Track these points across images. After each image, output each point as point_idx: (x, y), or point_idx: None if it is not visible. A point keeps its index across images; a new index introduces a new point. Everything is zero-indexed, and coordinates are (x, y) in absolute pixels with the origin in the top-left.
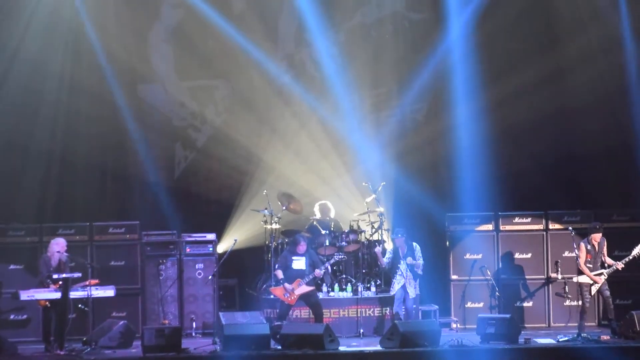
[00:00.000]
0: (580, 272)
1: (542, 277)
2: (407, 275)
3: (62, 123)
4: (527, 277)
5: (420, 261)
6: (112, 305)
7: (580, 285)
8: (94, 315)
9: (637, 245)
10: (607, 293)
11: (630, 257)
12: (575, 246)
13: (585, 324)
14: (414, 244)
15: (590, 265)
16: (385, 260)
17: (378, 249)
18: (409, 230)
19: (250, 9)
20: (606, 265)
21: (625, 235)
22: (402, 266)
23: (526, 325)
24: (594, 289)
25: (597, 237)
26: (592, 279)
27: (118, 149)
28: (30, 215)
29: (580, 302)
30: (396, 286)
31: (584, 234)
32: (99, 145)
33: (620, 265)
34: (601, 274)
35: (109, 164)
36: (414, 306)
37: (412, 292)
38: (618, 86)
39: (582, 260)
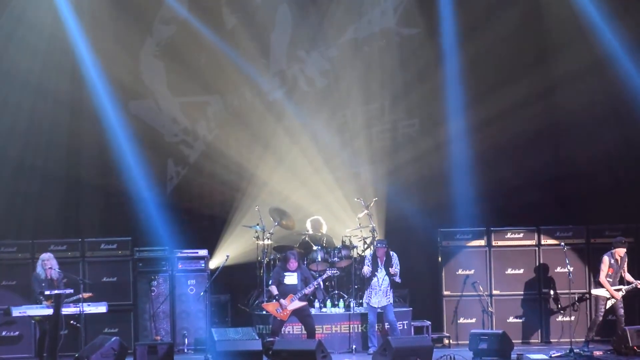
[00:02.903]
0: (598, 285)
1: (535, 292)
2: (382, 284)
3: (51, 139)
4: (519, 292)
5: (397, 269)
6: (104, 322)
7: (596, 298)
8: (86, 332)
9: None
10: (621, 312)
11: None
12: (567, 261)
13: (579, 339)
14: (392, 252)
15: (611, 280)
16: (366, 269)
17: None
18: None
19: (242, 25)
20: (625, 281)
21: None
22: (380, 274)
23: (518, 341)
24: (609, 303)
25: (621, 251)
26: (611, 294)
27: (110, 165)
28: (21, 232)
29: (572, 317)
30: (373, 299)
31: (577, 250)
32: (89, 161)
33: None
34: (620, 290)
35: (101, 180)
36: (406, 321)
37: (385, 301)
38: (609, 102)
39: (603, 274)
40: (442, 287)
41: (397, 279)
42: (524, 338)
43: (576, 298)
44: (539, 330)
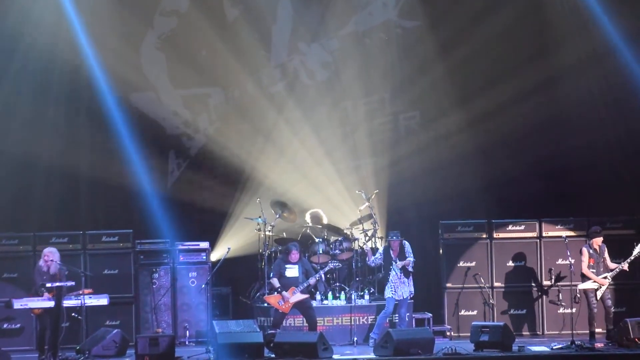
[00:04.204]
0: (584, 279)
1: (536, 284)
2: (401, 275)
3: (52, 132)
4: (520, 284)
5: (410, 258)
6: (106, 314)
7: (585, 292)
8: (88, 324)
9: (637, 245)
10: (609, 302)
11: (632, 257)
12: (568, 253)
13: (580, 331)
14: (405, 242)
15: (594, 270)
16: (373, 259)
17: (368, 247)
18: (402, 234)
19: (243, 17)
20: (610, 269)
21: (618, 242)
22: (396, 267)
23: (520, 333)
24: (599, 293)
25: (598, 241)
26: (598, 282)
27: (111, 157)
28: (23, 225)
29: (573, 309)
30: (397, 293)
31: (578, 242)
32: (91, 154)
33: (625, 265)
34: (605, 277)
35: (102, 173)
36: (408, 314)
37: (407, 291)
38: (610, 94)
39: (585, 265)
40: (443, 279)
41: (410, 268)
42: (525, 330)
43: (576, 293)
44: (541, 323)
